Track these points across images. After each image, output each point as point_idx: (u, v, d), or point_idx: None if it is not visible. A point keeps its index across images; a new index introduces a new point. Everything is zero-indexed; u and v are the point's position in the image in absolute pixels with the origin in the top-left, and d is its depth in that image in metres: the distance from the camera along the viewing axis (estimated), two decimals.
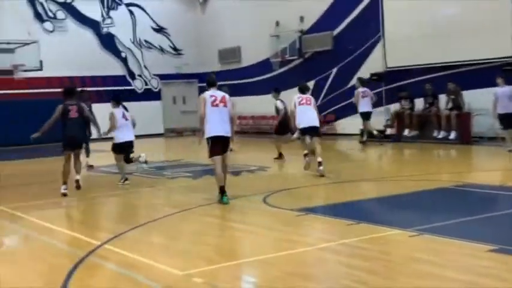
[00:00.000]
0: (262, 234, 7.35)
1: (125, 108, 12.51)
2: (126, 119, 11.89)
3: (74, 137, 10.77)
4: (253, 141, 22.33)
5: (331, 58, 21.45)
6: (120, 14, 26.02)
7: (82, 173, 11.69)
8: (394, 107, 19.08)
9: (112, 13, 25.93)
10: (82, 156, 12.19)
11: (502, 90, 14.34)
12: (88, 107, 12.35)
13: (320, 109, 21.90)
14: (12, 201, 10.49)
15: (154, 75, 26.87)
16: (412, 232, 6.72)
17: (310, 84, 22.23)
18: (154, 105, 26.56)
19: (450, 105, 17.03)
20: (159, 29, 26.97)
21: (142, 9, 26.53)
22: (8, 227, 8.76)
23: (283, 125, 14.76)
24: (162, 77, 27.03)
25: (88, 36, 25.29)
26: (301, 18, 22.43)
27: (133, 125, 12.20)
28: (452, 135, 16.72)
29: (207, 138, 9.17)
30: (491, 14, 16.37)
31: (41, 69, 22.52)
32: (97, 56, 25.28)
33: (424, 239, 6.51)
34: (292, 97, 12.50)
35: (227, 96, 9.33)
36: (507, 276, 5.25)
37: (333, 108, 21.68)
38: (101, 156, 17.60)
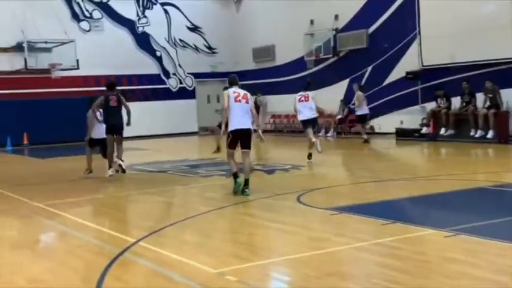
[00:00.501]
0: (296, 233, 7.32)
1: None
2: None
3: (114, 124, 12.22)
4: (287, 140, 22.28)
5: (366, 56, 21.28)
6: (155, 13, 26.24)
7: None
8: (430, 105, 18.82)
9: (147, 12, 26.17)
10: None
11: None
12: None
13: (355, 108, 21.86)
14: (48, 198, 10.66)
15: (188, 73, 27.03)
16: (448, 232, 6.61)
17: (345, 82, 22.15)
18: (188, 104, 26.74)
19: (488, 104, 16.74)
20: (194, 28, 27.11)
21: (177, 8, 26.71)
22: (44, 224, 8.90)
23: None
24: (197, 75, 27.18)
25: (124, 35, 25.58)
26: (336, 16, 22.30)
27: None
28: (490, 134, 16.42)
29: (228, 132, 9.69)
30: None
31: (77, 68, 22.88)
32: (132, 55, 25.55)
33: (460, 239, 6.40)
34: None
35: (249, 94, 9.87)
36: None
37: (367, 107, 21.44)
38: (135, 154, 17.80)
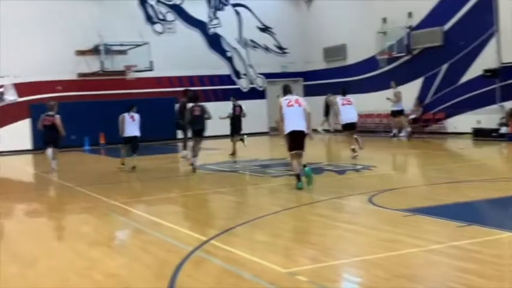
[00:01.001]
0: (368, 234, 7.21)
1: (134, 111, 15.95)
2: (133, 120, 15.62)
3: (199, 129, 14.25)
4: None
5: (441, 54, 20.75)
6: (226, 15, 26.50)
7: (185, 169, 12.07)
8: (510, 104, 18.15)
9: (219, 14, 26.46)
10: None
11: None
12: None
13: (429, 107, 21.40)
14: (123, 197, 10.96)
15: (259, 74, 27.14)
16: None
17: (419, 81, 21.67)
18: (259, 104, 26.83)
19: None
20: (265, 28, 27.20)
21: (248, 9, 26.87)
22: (120, 221, 9.14)
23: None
24: (267, 75, 27.25)
25: (195, 36, 25.96)
26: (410, 14, 21.85)
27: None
28: None
29: (285, 135, 10.44)
30: None
31: (151, 70, 23.38)
32: (204, 56, 25.89)
33: None
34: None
35: (301, 98, 10.71)
36: None
37: (442, 106, 20.97)
38: (207, 154, 18.01)
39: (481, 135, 18.47)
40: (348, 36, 24.71)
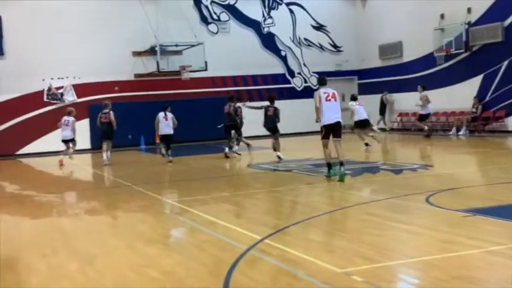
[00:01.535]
0: (425, 235, 7.06)
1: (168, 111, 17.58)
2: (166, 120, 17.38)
3: (270, 127, 16.27)
4: (415, 139, 21.63)
5: (501, 51, 20.17)
6: (280, 14, 26.48)
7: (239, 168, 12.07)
8: None
9: (273, 13, 26.46)
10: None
11: None
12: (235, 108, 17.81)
13: (489, 105, 20.85)
14: (178, 195, 11.10)
15: (313, 72, 27.00)
16: None
17: (478, 78, 21.13)
18: (313, 103, 26.64)
19: None
20: (319, 27, 27.05)
21: (302, 7, 26.78)
22: (175, 220, 9.25)
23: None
24: (321, 74, 26.97)
25: (249, 36, 26.04)
26: (469, 10, 21.32)
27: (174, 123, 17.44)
28: None
29: (322, 126, 11.40)
30: None
31: (205, 70, 23.57)
32: (258, 56, 25.95)
33: None
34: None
35: (336, 92, 11.52)
36: None
37: (503, 104, 20.39)
38: (262, 153, 18.07)
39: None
40: (404, 33, 24.31)
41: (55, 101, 23.55)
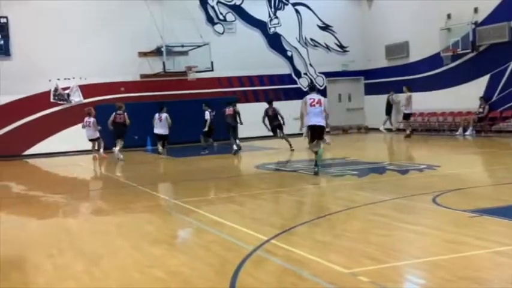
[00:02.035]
0: (432, 235, 7.04)
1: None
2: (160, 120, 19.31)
3: (275, 125, 19.08)
4: (422, 139, 21.59)
5: (508, 50, 20.08)
6: (286, 14, 26.46)
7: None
8: None
9: (279, 13, 26.44)
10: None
11: None
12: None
13: (496, 105, 20.78)
14: (184, 196, 11.09)
15: (319, 73, 26.99)
16: None
17: (485, 78, 21.05)
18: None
19: None
20: (325, 27, 27.02)
21: (309, 7, 26.76)
22: (181, 220, 9.25)
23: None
24: (328, 74, 27.07)
25: (255, 36, 26.03)
26: (475, 10, 21.24)
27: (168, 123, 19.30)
28: None
29: (306, 127, 12.57)
30: None
31: (211, 70, 23.56)
32: (264, 56, 25.94)
33: None
34: None
35: (322, 98, 12.64)
36: None
37: (510, 104, 20.31)
38: (267, 153, 18.08)
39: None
40: (410, 33, 24.25)
41: (62, 102, 23.61)
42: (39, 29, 22.99)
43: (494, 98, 20.91)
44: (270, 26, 26.34)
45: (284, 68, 26.55)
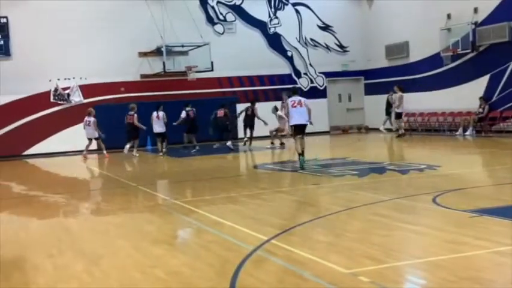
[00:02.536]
0: (432, 235, 7.04)
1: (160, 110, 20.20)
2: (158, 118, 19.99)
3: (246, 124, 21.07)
4: (422, 139, 21.59)
5: (508, 50, 20.08)
6: (286, 14, 26.46)
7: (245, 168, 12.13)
8: None
9: (279, 13, 26.44)
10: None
11: None
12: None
13: (496, 105, 20.79)
14: (184, 196, 11.10)
15: (319, 73, 26.98)
16: None
17: (485, 78, 21.04)
18: (319, 103, 26.65)
19: None
20: (325, 27, 27.02)
21: (309, 7, 26.75)
22: (181, 220, 9.24)
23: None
24: (328, 74, 27.06)
25: (255, 36, 26.03)
26: (475, 10, 21.24)
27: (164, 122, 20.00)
28: None
29: (290, 126, 14.44)
30: None
31: (211, 70, 23.56)
32: (264, 56, 25.94)
33: None
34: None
35: (303, 99, 13.99)
36: None
37: (510, 104, 20.31)
38: (268, 153, 18.08)
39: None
40: (410, 33, 24.26)
41: (62, 102, 23.60)
42: (39, 29, 22.99)
43: (494, 98, 20.91)
44: (270, 26, 26.34)
45: (284, 68, 26.54)
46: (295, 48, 26.72)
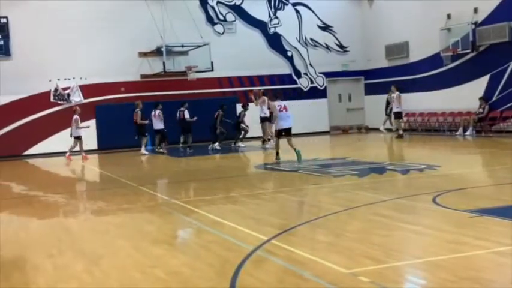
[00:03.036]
0: (432, 236, 7.04)
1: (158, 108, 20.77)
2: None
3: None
4: (422, 139, 21.59)
5: (508, 50, 20.08)
6: (286, 14, 26.45)
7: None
8: None
9: (279, 13, 26.43)
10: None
11: None
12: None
13: (496, 105, 20.79)
14: (185, 195, 11.10)
15: (319, 73, 26.97)
16: None
17: (485, 78, 21.04)
18: (319, 103, 26.71)
19: None
20: (325, 27, 27.01)
21: (309, 7, 26.74)
22: (181, 220, 9.25)
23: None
24: (328, 74, 27.06)
25: (255, 36, 26.02)
26: (475, 10, 21.23)
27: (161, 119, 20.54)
28: None
29: (276, 130, 15.57)
30: None
31: (211, 70, 23.55)
32: (264, 56, 25.93)
33: None
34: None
35: (286, 105, 15.21)
36: None
37: (510, 104, 20.30)
38: (266, 154, 18.07)
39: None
40: (410, 33, 24.25)
41: (62, 102, 23.60)
42: (39, 29, 22.99)
43: (494, 98, 20.91)
44: (270, 26, 26.33)
45: (284, 68, 26.54)
46: (295, 48, 26.72)
